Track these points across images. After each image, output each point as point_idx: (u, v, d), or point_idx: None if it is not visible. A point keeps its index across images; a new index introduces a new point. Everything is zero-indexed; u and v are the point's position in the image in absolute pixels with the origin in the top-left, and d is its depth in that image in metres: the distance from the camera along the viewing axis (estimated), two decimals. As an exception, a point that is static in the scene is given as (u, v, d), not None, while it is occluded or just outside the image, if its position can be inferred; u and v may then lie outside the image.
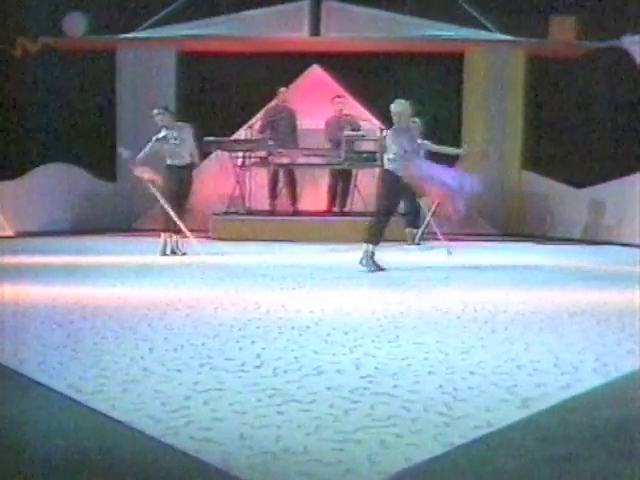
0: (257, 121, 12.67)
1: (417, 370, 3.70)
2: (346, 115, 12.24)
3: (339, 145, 11.59)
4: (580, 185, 12.41)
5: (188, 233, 9.22)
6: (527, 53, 13.31)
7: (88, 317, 5.02)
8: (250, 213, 12.00)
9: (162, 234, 9.23)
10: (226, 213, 11.95)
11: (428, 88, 13.20)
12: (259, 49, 13.06)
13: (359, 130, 12.10)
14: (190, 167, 9.41)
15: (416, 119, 10.69)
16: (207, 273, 7.56)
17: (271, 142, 11.77)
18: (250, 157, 12.11)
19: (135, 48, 13.53)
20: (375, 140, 11.84)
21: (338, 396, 3.24)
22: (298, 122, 12.42)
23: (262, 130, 12.21)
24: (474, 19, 12.57)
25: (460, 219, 12.90)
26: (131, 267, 7.99)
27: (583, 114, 12.41)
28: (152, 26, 12.96)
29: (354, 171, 12.28)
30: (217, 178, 12.79)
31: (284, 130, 12.15)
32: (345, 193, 12.37)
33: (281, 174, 12.39)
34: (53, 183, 12.60)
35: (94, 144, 13.21)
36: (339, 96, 12.44)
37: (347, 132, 11.69)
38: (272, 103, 12.55)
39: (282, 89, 12.35)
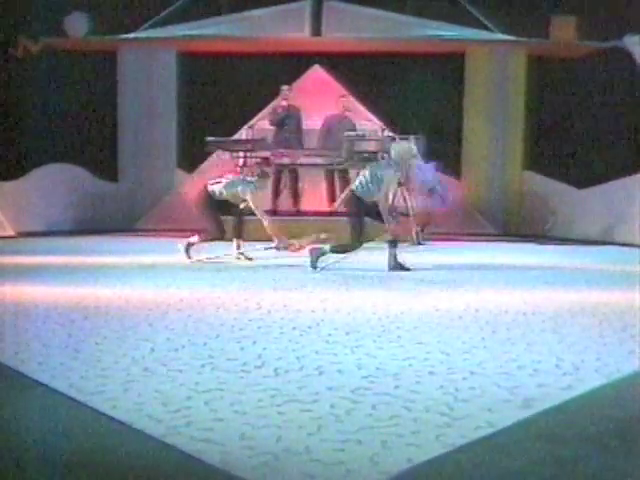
0: (262, 120, 12.65)
1: (418, 370, 3.69)
2: (347, 115, 12.23)
3: (334, 143, 11.56)
4: (581, 185, 12.41)
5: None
6: (528, 53, 13.31)
7: (89, 317, 5.02)
8: (252, 213, 11.96)
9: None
10: (228, 213, 11.91)
11: (429, 88, 13.21)
12: (260, 49, 13.06)
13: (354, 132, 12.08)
14: None
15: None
16: (208, 273, 7.57)
17: (280, 140, 11.78)
18: (251, 157, 12.10)
19: (136, 48, 13.55)
20: (377, 140, 11.83)
21: (339, 396, 3.23)
22: (303, 121, 12.42)
23: (275, 125, 12.13)
24: (475, 19, 12.57)
25: (454, 214, 12.90)
26: (133, 267, 7.99)
27: (584, 114, 12.41)
28: (153, 26, 12.96)
29: (351, 171, 12.25)
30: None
31: (291, 129, 12.14)
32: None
33: (283, 174, 12.38)
34: (55, 183, 12.61)
35: (95, 144, 13.24)
36: (344, 95, 12.44)
37: (348, 132, 11.68)
38: (277, 102, 12.54)
39: (284, 87, 12.32)
